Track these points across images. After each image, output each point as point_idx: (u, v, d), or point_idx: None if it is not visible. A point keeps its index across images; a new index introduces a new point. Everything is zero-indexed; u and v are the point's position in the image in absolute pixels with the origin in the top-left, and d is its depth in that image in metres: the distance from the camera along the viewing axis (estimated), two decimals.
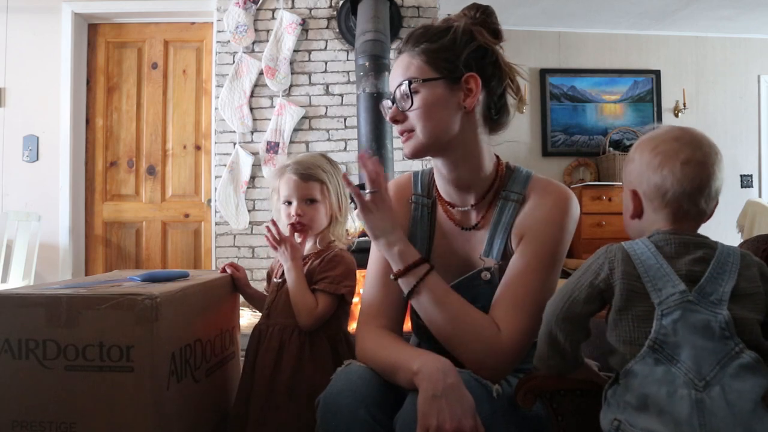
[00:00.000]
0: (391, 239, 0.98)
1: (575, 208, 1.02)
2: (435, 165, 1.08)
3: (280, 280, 1.36)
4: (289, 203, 1.36)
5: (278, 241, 1.32)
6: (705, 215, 0.83)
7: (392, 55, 3.04)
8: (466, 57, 0.97)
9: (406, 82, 0.98)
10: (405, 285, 0.98)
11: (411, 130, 1.00)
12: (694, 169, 0.80)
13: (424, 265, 0.97)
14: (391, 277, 0.99)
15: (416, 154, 1.02)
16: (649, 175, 0.83)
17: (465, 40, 0.98)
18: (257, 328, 1.37)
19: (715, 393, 0.70)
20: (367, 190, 0.97)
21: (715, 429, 0.69)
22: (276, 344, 1.30)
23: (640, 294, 0.77)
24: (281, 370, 1.28)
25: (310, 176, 1.35)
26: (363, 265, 1.17)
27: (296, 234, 1.35)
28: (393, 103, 1.02)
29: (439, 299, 0.95)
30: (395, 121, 1.02)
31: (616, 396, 0.78)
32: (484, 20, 1.00)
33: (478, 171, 1.04)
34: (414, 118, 0.99)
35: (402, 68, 1.00)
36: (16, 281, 2.97)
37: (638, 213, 0.86)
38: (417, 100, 0.98)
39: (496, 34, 1.01)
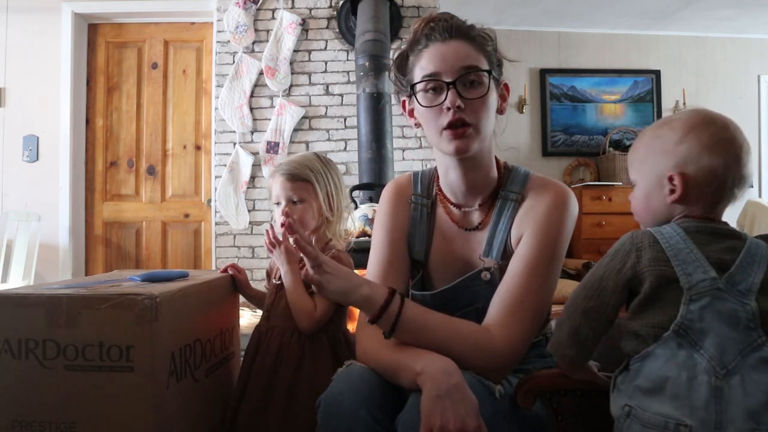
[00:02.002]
0: (355, 295, 0.91)
1: (573, 206, 1.01)
2: (447, 165, 1.04)
3: (278, 282, 1.36)
4: (279, 204, 1.36)
5: (274, 245, 1.32)
6: (735, 201, 0.84)
7: (392, 54, 3.04)
8: (500, 66, 1.02)
9: (481, 71, 0.96)
10: (383, 327, 0.93)
11: (467, 125, 0.95)
12: (746, 157, 0.81)
13: (394, 301, 0.92)
14: (366, 321, 0.94)
15: (470, 151, 0.97)
16: (700, 156, 0.80)
17: (496, 49, 1.01)
18: (257, 330, 1.37)
19: (734, 382, 0.70)
20: (310, 269, 0.91)
21: (729, 418, 0.69)
22: (275, 347, 1.30)
23: (670, 279, 0.76)
24: (280, 372, 1.27)
25: (296, 176, 1.33)
26: (362, 265, 1.16)
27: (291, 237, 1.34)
28: (448, 86, 0.94)
29: (421, 328, 0.92)
30: (458, 107, 0.93)
31: (626, 382, 0.78)
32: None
33: (489, 172, 1.05)
34: (478, 109, 0.95)
35: (462, 55, 0.95)
36: (16, 281, 2.97)
37: (684, 197, 0.81)
38: (484, 90, 0.96)
39: None
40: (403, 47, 1.04)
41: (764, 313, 0.73)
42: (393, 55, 1.08)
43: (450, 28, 0.97)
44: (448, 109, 0.94)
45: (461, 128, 0.95)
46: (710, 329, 0.73)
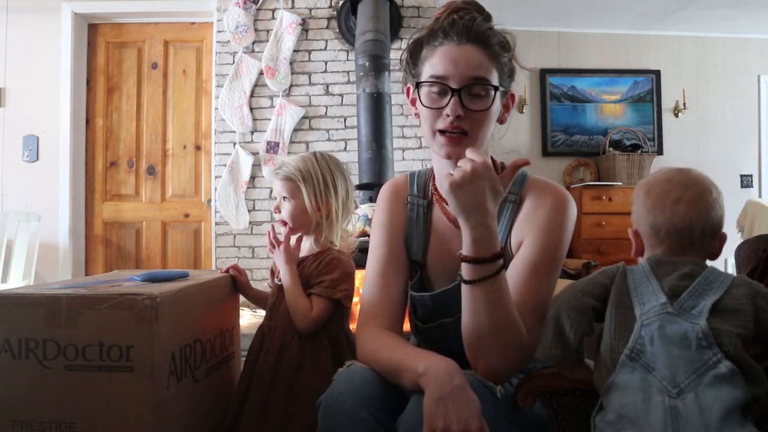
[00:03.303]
0: (477, 218, 0.87)
1: (573, 209, 1.01)
2: (442, 165, 1.03)
3: (280, 282, 1.36)
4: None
5: (274, 245, 1.34)
6: (706, 252, 0.86)
7: (393, 54, 3.04)
8: (511, 77, 1.01)
9: (490, 86, 0.94)
10: (479, 273, 0.87)
11: (464, 132, 0.94)
12: (685, 207, 0.84)
13: (502, 257, 0.88)
14: (458, 254, 0.89)
15: (462, 157, 0.94)
16: (645, 216, 0.87)
17: (512, 59, 1.01)
18: (260, 330, 1.38)
19: (688, 400, 0.72)
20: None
21: None
22: (276, 348, 1.30)
23: (627, 308, 0.81)
24: (281, 372, 1.28)
25: (285, 176, 1.35)
26: (362, 265, 1.16)
27: (292, 237, 1.36)
28: (452, 92, 0.93)
29: (501, 296, 0.88)
30: (457, 115, 0.93)
31: (602, 420, 0.79)
32: None
33: None
34: (478, 120, 0.95)
35: (474, 64, 0.94)
36: (16, 281, 2.97)
37: (640, 251, 0.90)
38: (489, 104, 0.95)
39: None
40: (421, 33, 1.01)
41: (717, 331, 0.75)
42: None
43: (469, 30, 0.94)
44: (448, 115, 0.94)
45: (457, 136, 0.94)
46: (661, 351, 0.75)
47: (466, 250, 0.88)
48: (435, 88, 0.96)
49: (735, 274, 0.87)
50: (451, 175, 0.86)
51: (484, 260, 0.87)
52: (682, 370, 0.74)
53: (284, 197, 1.35)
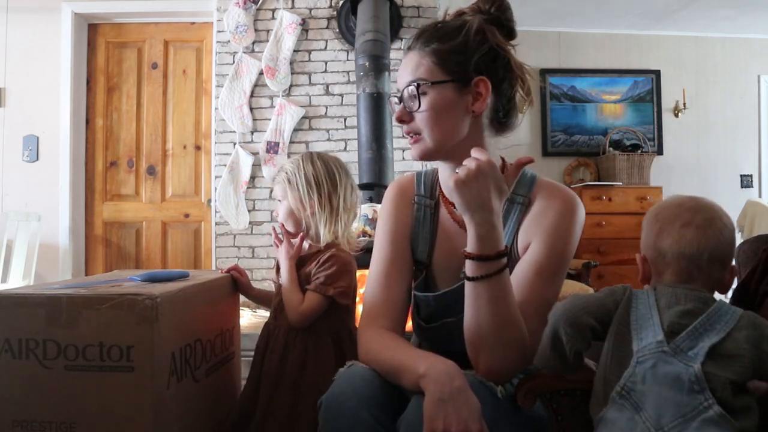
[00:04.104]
0: (483, 215, 0.87)
1: (581, 213, 1.01)
2: (441, 166, 1.06)
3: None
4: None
5: (277, 243, 1.40)
6: (713, 281, 0.83)
7: (393, 54, 3.04)
8: (477, 60, 0.95)
9: (415, 83, 0.96)
10: (481, 270, 0.88)
11: (418, 133, 0.98)
12: (693, 232, 0.81)
13: (505, 256, 0.89)
14: (462, 251, 0.90)
15: (424, 157, 1.00)
16: (653, 242, 0.85)
17: (477, 41, 0.95)
18: (266, 328, 1.40)
19: None
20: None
21: None
22: (281, 346, 1.33)
23: (625, 341, 0.79)
24: (286, 371, 1.30)
25: (277, 180, 1.42)
26: (365, 265, 1.16)
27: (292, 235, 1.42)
28: (400, 102, 0.99)
29: (503, 294, 0.88)
30: (401, 121, 0.99)
31: None
32: (497, 17, 0.99)
33: None
34: (421, 120, 0.97)
35: (411, 67, 0.98)
36: (16, 281, 2.97)
37: (647, 278, 0.88)
38: (425, 102, 0.96)
39: (510, 33, 1.01)
40: None
41: (710, 376, 0.72)
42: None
43: (417, 37, 0.99)
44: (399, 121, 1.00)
45: (411, 137, 0.99)
46: (651, 391, 0.74)
47: (470, 246, 0.89)
48: (395, 101, 1.02)
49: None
50: (457, 173, 0.87)
51: (488, 257, 0.87)
52: (670, 412, 0.72)
53: (279, 199, 1.43)
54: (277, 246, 1.40)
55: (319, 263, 1.34)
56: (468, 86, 0.96)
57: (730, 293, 0.93)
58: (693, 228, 0.82)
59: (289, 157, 3.32)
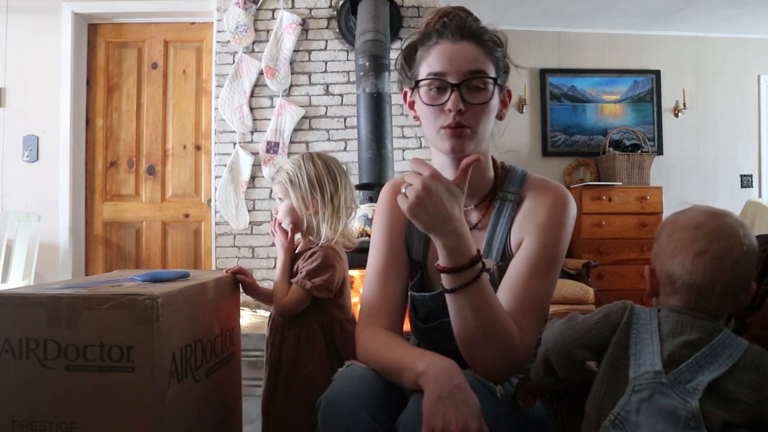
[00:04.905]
0: (448, 228, 0.86)
1: (573, 207, 1.02)
2: (443, 164, 1.03)
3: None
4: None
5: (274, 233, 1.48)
6: (725, 310, 0.79)
7: (392, 54, 3.04)
8: (506, 73, 1.02)
9: (483, 76, 0.95)
10: (457, 281, 0.87)
11: (466, 127, 0.95)
12: (708, 262, 0.76)
13: (480, 262, 0.88)
14: (435, 266, 0.90)
15: (465, 151, 0.96)
16: (663, 261, 0.81)
17: (506, 55, 1.02)
18: (272, 323, 1.47)
19: None
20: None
21: None
22: (279, 339, 1.41)
23: (622, 368, 0.76)
24: (283, 363, 1.38)
25: (277, 180, 1.46)
26: (363, 265, 1.16)
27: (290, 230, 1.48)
28: (452, 88, 0.94)
29: (484, 303, 0.88)
30: (460, 111, 0.93)
31: None
32: None
33: (485, 172, 1.05)
34: (474, 115, 0.95)
35: (470, 58, 0.95)
36: (16, 281, 2.97)
37: (654, 292, 0.85)
38: (484, 97, 0.96)
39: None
40: (413, 37, 1.03)
41: (707, 414, 0.70)
42: (402, 44, 1.08)
43: (462, 28, 0.96)
44: (449, 111, 0.94)
45: (459, 128, 0.95)
46: (646, 424, 0.71)
47: (442, 261, 0.88)
48: (434, 86, 0.96)
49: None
50: (405, 197, 0.85)
51: (462, 268, 0.86)
52: None
53: (279, 198, 1.47)
54: (273, 236, 1.47)
55: (305, 258, 1.41)
56: (502, 92, 1.02)
57: None
58: (708, 258, 0.76)
59: (289, 156, 3.32)
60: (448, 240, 0.86)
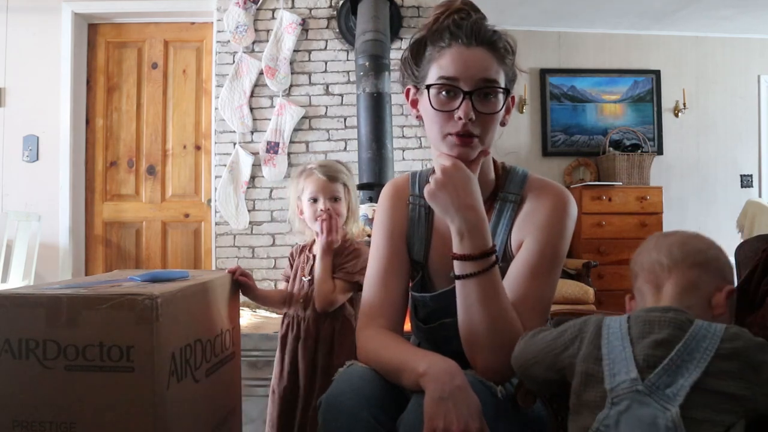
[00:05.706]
0: (460, 214, 0.90)
1: (573, 208, 1.02)
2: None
3: (309, 277, 1.54)
4: (315, 200, 1.53)
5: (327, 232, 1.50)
6: (703, 299, 0.79)
7: (392, 54, 3.04)
8: (513, 80, 1.01)
9: (496, 86, 0.94)
10: (469, 269, 0.89)
11: (476, 136, 0.94)
12: (681, 246, 0.82)
13: (494, 254, 0.90)
14: (459, 253, 0.90)
15: (471, 158, 0.95)
16: (643, 260, 0.85)
17: (514, 63, 1.01)
18: (293, 321, 1.54)
19: None
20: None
21: None
22: (313, 334, 1.49)
23: (596, 378, 0.72)
24: (318, 356, 1.48)
25: (335, 178, 1.53)
26: None
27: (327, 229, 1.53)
28: (464, 96, 0.92)
29: (494, 292, 0.89)
30: (471, 119, 0.92)
31: None
32: None
33: (486, 174, 1.04)
34: (483, 123, 0.94)
35: (483, 65, 0.93)
36: (16, 281, 2.97)
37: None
38: (494, 106, 0.95)
39: None
40: (421, 32, 1.00)
41: (689, 421, 0.64)
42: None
43: (477, 32, 0.93)
44: (460, 119, 0.92)
45: (468, 138, 0.93)
46: None
47: (455, 247, 0.91)
48: (445, 90, 0.94)
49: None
50: (429, 184, 0.90)
51: (473, 257, 0.89)
52: None
53: (334, 198, 1.52)
54: (319, 235, 1.49)
55: (343, 255, 1.51)
56: (507, 99, 1.00)
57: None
58: (680, 245, 0.83)
59: (289, 157, 3.32)
60: (463, 228, 0.89)
